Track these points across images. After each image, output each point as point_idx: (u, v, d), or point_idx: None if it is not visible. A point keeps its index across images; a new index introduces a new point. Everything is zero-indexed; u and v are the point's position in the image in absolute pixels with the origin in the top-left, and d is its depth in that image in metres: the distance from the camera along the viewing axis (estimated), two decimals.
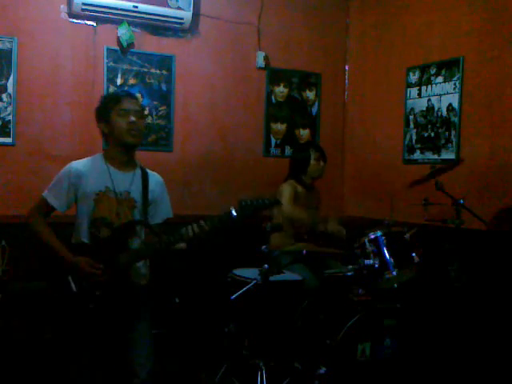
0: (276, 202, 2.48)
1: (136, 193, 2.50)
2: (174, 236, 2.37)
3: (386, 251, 3.15)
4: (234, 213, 2.31)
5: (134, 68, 4.17)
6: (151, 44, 4.21)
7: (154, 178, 2.61)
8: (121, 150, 2.49)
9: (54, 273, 2.41)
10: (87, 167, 2.48)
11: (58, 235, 2.47)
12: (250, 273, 3.13)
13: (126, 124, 2.43)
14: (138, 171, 2.55)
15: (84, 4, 3.84)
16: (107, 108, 2.48)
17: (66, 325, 2.43)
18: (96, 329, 2.40)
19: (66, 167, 2.50)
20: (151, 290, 2.63)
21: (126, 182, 2.49)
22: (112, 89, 4.09)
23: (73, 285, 2.37)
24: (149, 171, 2.60)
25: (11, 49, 3.78)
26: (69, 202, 2.48)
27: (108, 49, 4.07)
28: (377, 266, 3.12)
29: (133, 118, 2.43)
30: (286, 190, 3.74)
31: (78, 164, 2.50)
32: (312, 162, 3.85)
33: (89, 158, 2.55)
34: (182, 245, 2.45)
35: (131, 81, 4.16)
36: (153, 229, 2.51)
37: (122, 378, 2.51)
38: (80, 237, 2.47)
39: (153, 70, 4.23)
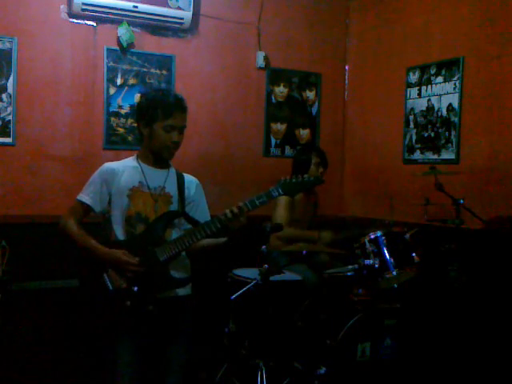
0: (318, 180, 2.38)
1: (171, 188, 2.44)
2: (213, 221, 2.30)
3: (386, 251, 3.15)
4: (276, 193, 2.26)
5: (134, 68, 4.16)
6: (151, 44, 4.21)
7: (189, 178, 2.55)
8: (153, 155, 2.44)
9: (88, 272, 2.36)
10: (120, 166, 2.45)
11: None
12: (250, 273, 3.13)
13: (169, 142, 2.36)
14: (173, 170, 2.50)
15: (84, 4, 3.84)
16: (154, 116, 2.36)
17: (102, 324, 2.35)
18: (132, 329, 2.33)
19: (99, 168, 2.46)
20: (192, 301, 2.57)
21: (159, 178, 2.43)
22: (112, 89, 4.09)
23: (108, 283, 2.31)
24: (184, 173, 2.54)
25: (11, 49, 3.77)
26: (102, 201, 2.41)
27: (108, 49, 4.07)
28: (377, 266, 3.12)
29: (176, 138, 2.36)
30: (282, 201, 3.61)
31: (111, 164, 2.47)
32: (312, 167, 3.77)
33: (121, 160, 2.51)
34: (222, 239, 2.43)
35: (131, 81, 4.16)
36: (191, 218, 2.41)
37: None
38: (116, 236, 2.39)
39: (153, 70, 4.22)
